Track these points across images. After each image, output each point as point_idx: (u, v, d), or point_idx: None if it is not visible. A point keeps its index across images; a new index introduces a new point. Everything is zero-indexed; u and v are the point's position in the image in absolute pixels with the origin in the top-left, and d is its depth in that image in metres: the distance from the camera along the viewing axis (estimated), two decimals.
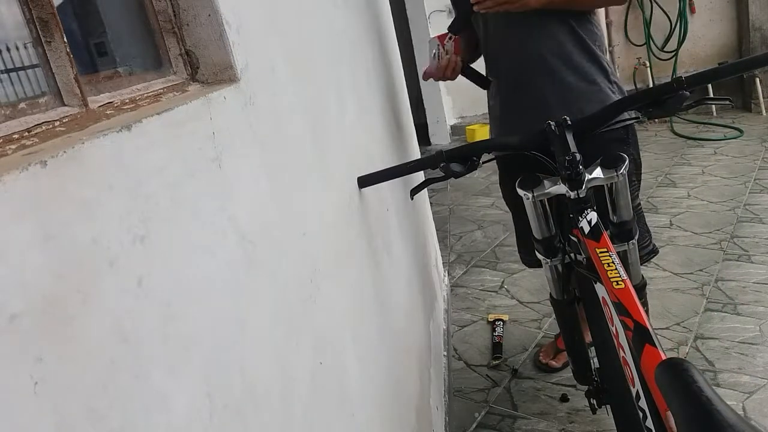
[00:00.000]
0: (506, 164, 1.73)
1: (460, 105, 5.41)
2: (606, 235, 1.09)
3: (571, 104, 1.51)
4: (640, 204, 1.68)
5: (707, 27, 4.70)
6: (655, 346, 0.84)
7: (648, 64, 4.75)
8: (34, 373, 0.37)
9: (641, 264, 1.67)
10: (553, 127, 1.16)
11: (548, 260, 1.34)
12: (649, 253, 1.67)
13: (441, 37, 1.60)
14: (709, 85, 4.00)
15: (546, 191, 1.21)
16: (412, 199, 1.42)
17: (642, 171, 1.68)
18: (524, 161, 1.26)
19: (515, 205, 1.73)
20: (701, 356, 1.92)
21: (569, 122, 1.16)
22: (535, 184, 1.22)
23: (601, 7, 1.60)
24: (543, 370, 1.99)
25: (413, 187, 1.36)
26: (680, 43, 4.54)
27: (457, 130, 5.40)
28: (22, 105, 0.50)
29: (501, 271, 2.74)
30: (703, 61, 4.64)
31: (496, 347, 2.15)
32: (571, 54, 1.53)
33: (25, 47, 0.53)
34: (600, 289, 1.12)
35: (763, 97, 4.44)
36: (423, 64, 5.12)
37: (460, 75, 1.65)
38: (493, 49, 1.65)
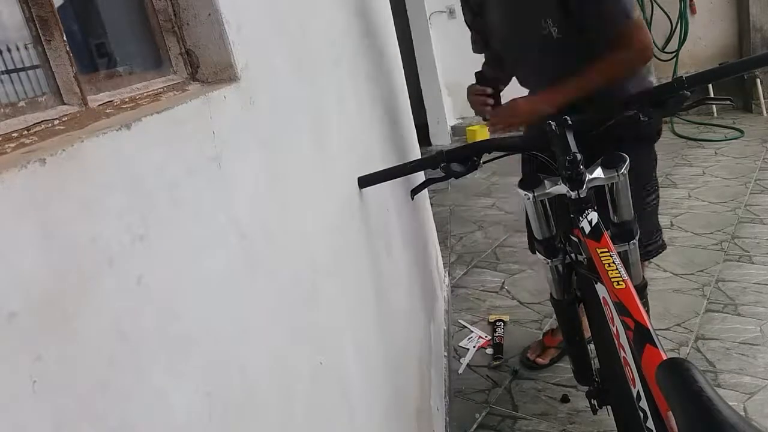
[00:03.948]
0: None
1: (460, 106, 5.40)
2: (607, 235, 1.09)
3: None
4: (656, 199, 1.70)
5: (708, 28, 4.69)
6: (656, 346, 0.84)
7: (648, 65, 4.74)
8: (33, 372, 0.37)
9: (650, 257, 1.67)
10: (553, 127, 1.16)
11: (549, 260, 1.33)
12: (658, 248, 1.72)
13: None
14: (710, 86, 4.00)
15: (547, 191, 1.21)
16: (412, 199, 1.42)
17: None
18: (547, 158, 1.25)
19: None
20: (702, 357, 1.91)
21: (570, 122, 1.16)
22: (535, 184, 1.22)
23: (620, 76, 1.47)
24: (529, 367, 2.00)
25: (414, 187, 1.36)
26: (681, 43, 4.53)
27: (457, 130, 5.40)
28: (22, 103, 0.50)
29: (501, 272, 2.74)
30: (703, 61, 4.63)
31: (497, 348, 2.15)
32: None
33: (26, 48, 0.53)
34: (601, 290, 1.12)
35: (764, 98, 4.44)
36: (424, 64, 5.15)
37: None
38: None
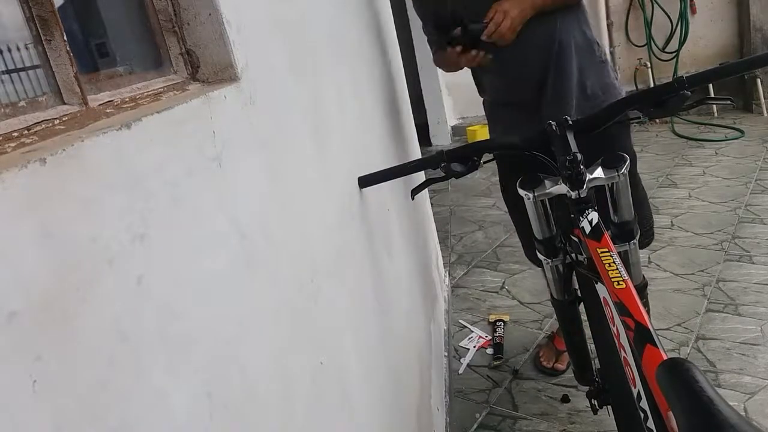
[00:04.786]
0: (511, 164, 1.71)
1: (461, 105, 5.41)
2: (607, 235, 1.09)
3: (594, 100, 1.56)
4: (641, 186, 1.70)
5: (708, 27, 4.69)
6: (657, 346, 0.84)
7: (649, 65, 4.75)
8: (32, 372, 0.37)
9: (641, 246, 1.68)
10: (554, 127, 1.16)
11: (549, 260, 1.33)
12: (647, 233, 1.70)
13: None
14: (710, 86, 4.00)
15: (547, 191, 1.21)
16: (412, 199, 1.41)
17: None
18: (529, 161, 1.25)
19: (516, 204, 1.72)
20: (702, 357, 1.91)
21: (570, 122, 1.16)
22: (536, 184, 1.22)
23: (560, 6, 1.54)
24: (550, 374, 1.98)
25: (414, 187, 1.36)
26: (681, 43, 4.54)
27: (457, 130, 5.40)
28: (22, 103, 0.50)
29: (502, 272, 2.74)
30: (704, 61, 4.63)
31: (497, 348, 2.15)
32: (586, 49, 1.57)
33: (26, 48, 0.53)
34: (601, 290, 1.12)
35: (764, 98, 4.44)
36: (424, 64, 5.14)
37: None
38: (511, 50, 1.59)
